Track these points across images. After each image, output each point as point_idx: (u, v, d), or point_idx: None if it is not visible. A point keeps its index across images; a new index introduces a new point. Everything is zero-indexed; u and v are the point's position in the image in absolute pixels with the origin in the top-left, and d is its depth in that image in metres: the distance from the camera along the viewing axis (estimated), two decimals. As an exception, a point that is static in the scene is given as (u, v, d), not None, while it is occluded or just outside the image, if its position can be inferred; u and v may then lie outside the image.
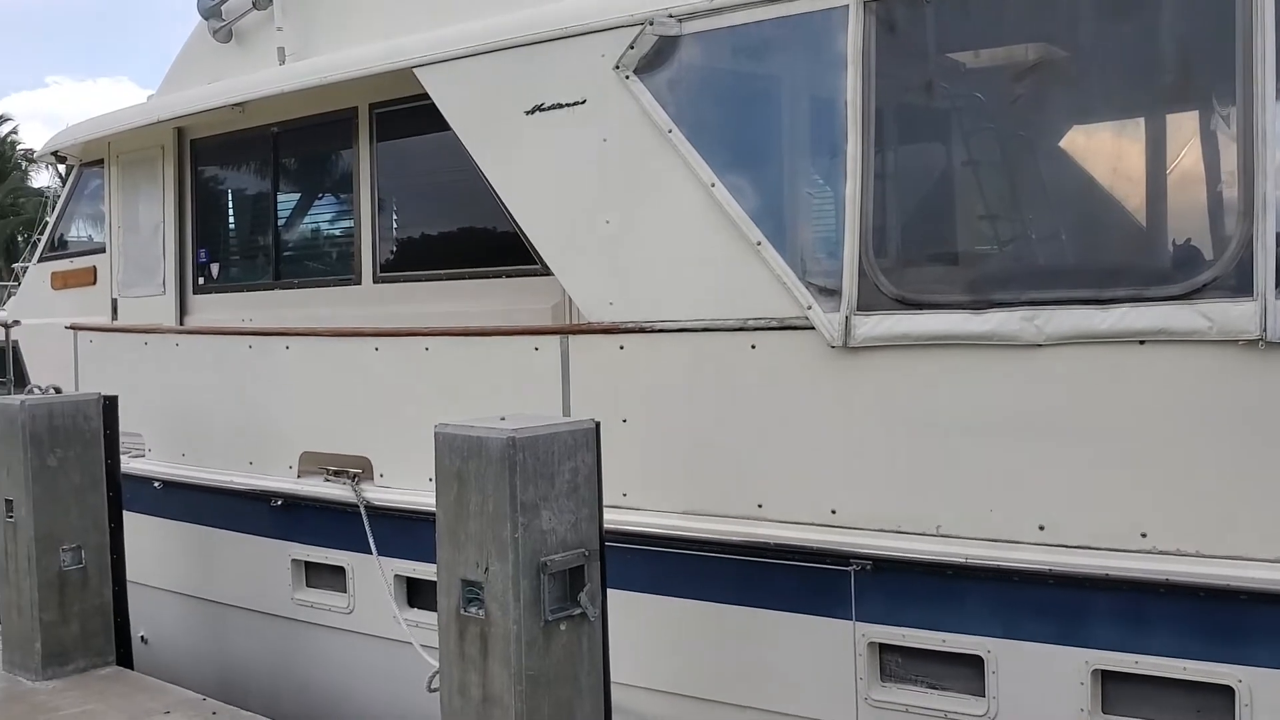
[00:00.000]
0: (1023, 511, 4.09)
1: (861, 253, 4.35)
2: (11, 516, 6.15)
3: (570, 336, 5.23)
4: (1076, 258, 4.53)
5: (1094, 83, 4.52)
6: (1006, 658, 4.09)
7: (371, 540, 5.75)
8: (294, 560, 6.27)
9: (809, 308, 4.46)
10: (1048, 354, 4.04)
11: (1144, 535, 3.88)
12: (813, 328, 4.44)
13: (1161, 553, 3.84)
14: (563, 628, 3.98)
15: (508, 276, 6.15)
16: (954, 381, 4.22)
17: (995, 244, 4.82)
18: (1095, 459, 3.96)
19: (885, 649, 4.36)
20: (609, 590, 4.25)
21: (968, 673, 4.20)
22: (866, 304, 4.34)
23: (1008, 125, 4.75)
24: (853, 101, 4.40)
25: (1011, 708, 4.09)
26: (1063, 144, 4.77)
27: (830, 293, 4.44)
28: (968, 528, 4.19)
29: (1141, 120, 4.83)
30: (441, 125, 5.78)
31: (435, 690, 4.18)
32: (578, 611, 4.01)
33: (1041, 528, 4.05)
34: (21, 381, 8.86)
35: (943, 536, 4.23)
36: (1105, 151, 4.80)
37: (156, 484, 6.88)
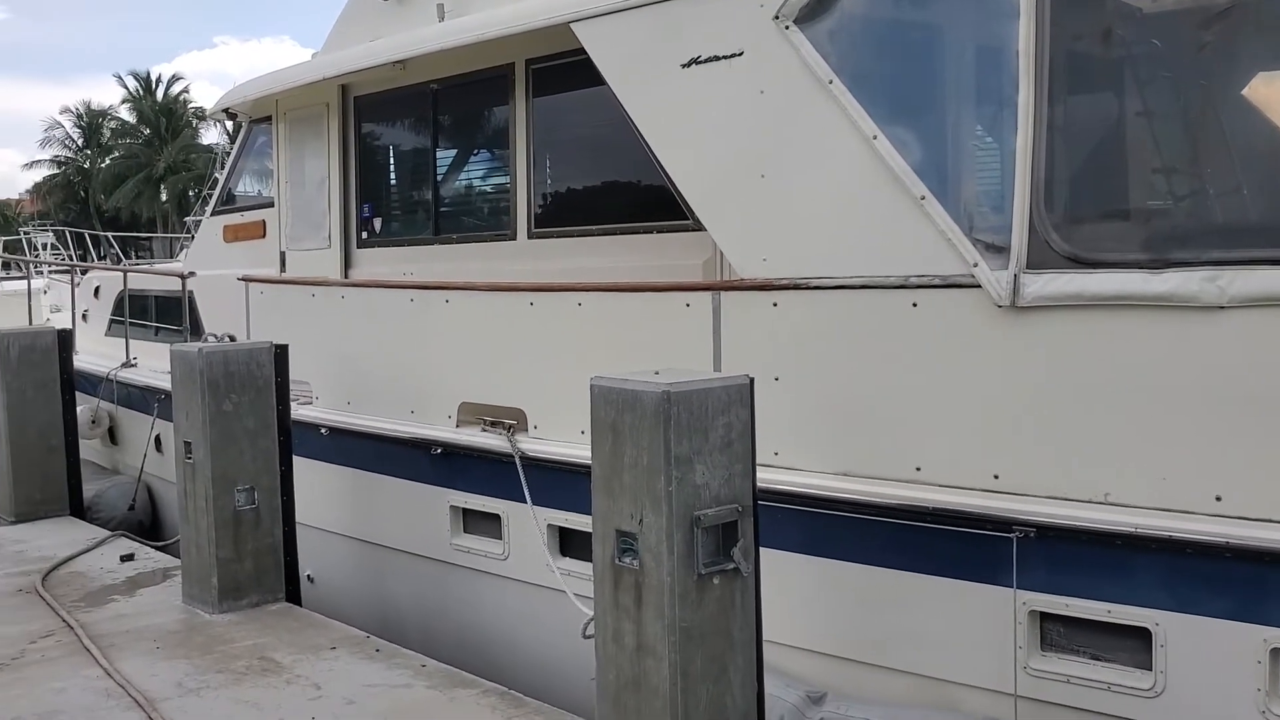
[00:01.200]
0: (1198, 480, 3.91)
1: (1032, 208, 4.19)
2: (190, 458, 6.47)
3: (722, 293, 5.20)
4: (1263, 215, 4.26)
5: None
6: (1176, 632, 3.93)
7: (526, 490, 5.87)
8: (452, 506, 6.46)
9: (975, 265, 4.33)
10: (1230, 316, 3.83)
11: None
12: (978, 286, 4.31)
13: None
14: (715, 582, 3.99)
15: (659, 232, 6.15)
16: (1128, 344, 4.04)
17: (1175, 200, 4.57)
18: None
19: (1046, 618, 4.24)
20: (760, 548, 4.24)
21: (1134, 645, 4.06)
22: (1036, 262, 4.18)
23: (1189, 74, 4.49)
24: (1025, 50, 4.22)
25: (1181, 683, 3.93)
26: (1248, 93, 4.48)
27: (998, 250, 4.29)
28: (1138, 496, 4.03)
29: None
30: (596, 80, 5.79)
31: (590, 637, 4.25)
32: (731, 567, 4.02)
33: (1219, 498, 3.86)
34: (196, 330, 9.32)
35: (1111, 505, 4.08)
36: None
37: (323, 430, 7.16)
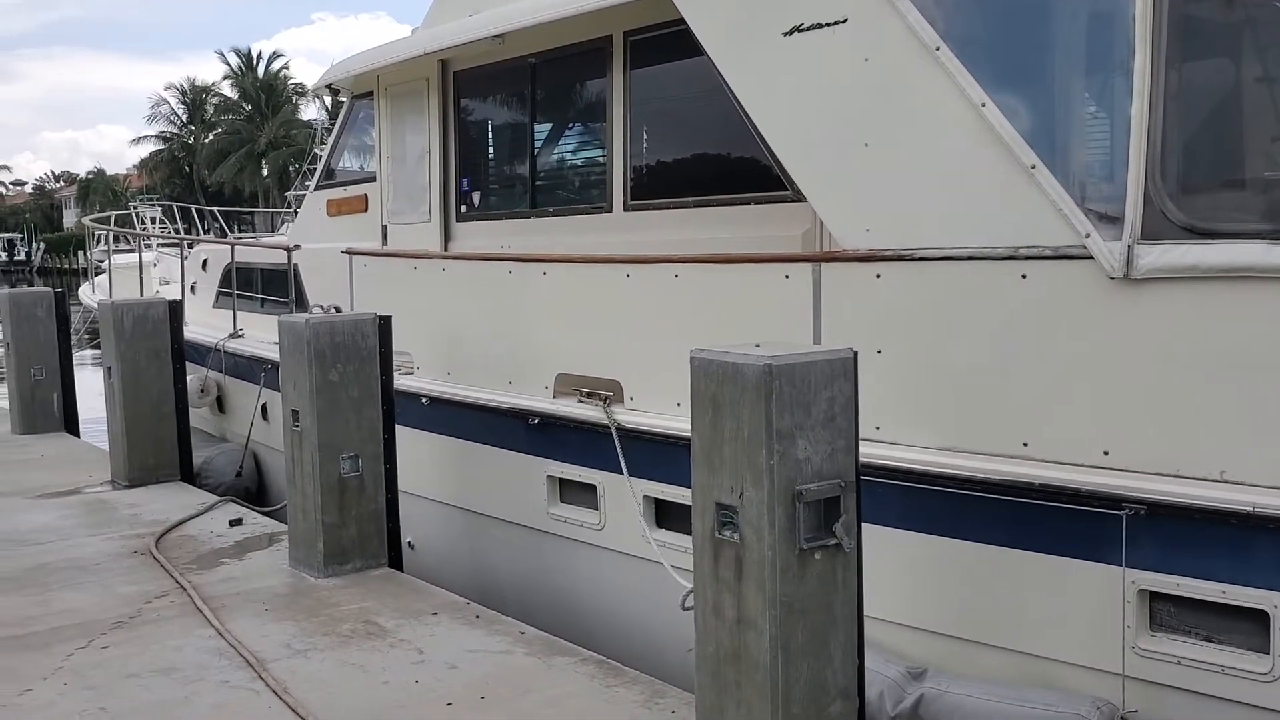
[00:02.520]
0: None
1: (1148, 177, 4.06)
2: (297, 426, 6.64)
3: (823, 264, 5.15)
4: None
5: None
6: None
7: (622, 461, 5.90)
8: (549, 476, 6.52)
9: (1087, 236, 4.21)
10: None
11: None
12: (1091, 257, 4.19)
13: None
14: (817, 557, 3.96)
15: (756, 203, 6.11)
16: (1247, 317, 3.90)
17: (1299, 168, 4.40)
18: None
19: (1157, 597, 4.13)
20: (862, 524, 4.20)
21: (1250, 627, 3.94)
22: (1151, 232, 4.06)
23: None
24: (1141, 14, 4.08)
25: (1300, 668, 3.81)
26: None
27: (1111, 220, 4.17)
28: (1257, 474, 3.90)
29: None
30: (693, 51, 5.76)
31: (689, 609, 4.26)
32: (833, 542, 3.98)
33: (1344, 477, 3.73)
34: (301, 302, 9.53)
35: (1227, 483, 3.95)
36: None
37: (424, 400, 7.29)
